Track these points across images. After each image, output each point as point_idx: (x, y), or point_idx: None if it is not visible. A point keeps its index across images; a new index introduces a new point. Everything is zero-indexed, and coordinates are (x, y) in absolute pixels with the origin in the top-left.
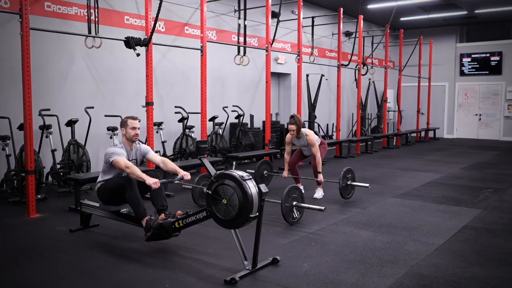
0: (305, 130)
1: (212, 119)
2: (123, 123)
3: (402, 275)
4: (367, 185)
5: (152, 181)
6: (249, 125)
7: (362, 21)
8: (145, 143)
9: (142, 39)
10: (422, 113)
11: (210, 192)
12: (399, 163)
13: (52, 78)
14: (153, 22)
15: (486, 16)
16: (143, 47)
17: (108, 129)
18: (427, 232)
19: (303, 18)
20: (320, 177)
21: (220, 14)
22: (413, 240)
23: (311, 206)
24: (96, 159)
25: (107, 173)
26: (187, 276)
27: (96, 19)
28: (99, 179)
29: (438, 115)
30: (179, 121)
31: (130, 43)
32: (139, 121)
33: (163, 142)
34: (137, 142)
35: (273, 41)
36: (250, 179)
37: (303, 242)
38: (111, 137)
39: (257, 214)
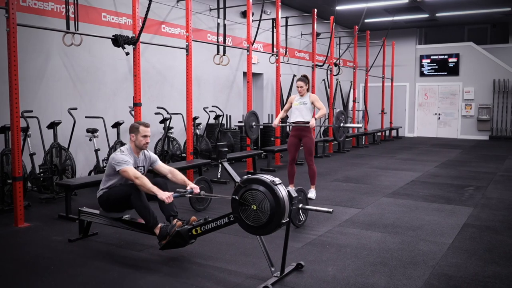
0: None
1: (193, 119)
2: (134, 129)
3: (428, 276)
4: (360, 125)
5: (165, 196)
6: (225, 126)
7: (332, 23)
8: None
9: (130, 37)
10: (385, 113)
11: (237, 198)
12: (374, 162)
13: (29, 77)
14: (141, 21)
15: (444, 19)
16: (131, 46)
17: (88, 131)
18: (432, 231)
19: (275, 18)
20: (313, 121)
21: (195, 13)
22: (423, 240)
23: (318, 208)
24: (75, 163)
25: (111, 179)
26: (214, 285)
27: (74, 15)
28: (102, 185)
29: (399, 115)
30: (161, 122)
31: (119, 41)
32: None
33: None
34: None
35: (254, 41)
36: (281, 183)
37: (318, 246)
38: (90, 140)
39: (288, 219)
